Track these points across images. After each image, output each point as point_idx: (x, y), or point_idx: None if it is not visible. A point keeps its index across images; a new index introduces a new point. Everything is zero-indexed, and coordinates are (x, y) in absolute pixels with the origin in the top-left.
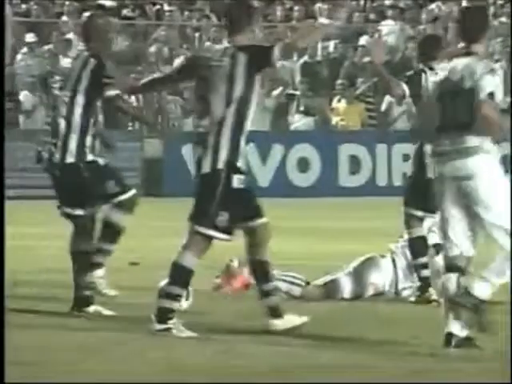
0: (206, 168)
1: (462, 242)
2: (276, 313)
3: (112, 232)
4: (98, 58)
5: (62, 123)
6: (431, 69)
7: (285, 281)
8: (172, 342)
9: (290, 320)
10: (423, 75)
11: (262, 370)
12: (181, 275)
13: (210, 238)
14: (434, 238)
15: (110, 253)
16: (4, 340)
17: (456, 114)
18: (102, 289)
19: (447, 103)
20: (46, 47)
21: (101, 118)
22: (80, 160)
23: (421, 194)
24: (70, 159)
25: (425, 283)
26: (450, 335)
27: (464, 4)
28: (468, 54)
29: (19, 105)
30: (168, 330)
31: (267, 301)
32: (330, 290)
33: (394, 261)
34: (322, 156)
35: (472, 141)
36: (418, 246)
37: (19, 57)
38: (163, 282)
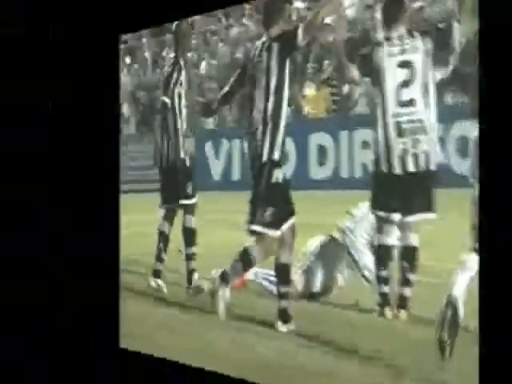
0: (251, 164)
1: None
2: (285, 316)
3: (188, 236)
4: None
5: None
6: (388, 39)
7: (268, 280)
8: None
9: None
10: (379, 49)
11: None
12: (244, 258)
13: (270, 238)
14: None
15: (195, 256)
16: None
17: None
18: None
19: None
20: None
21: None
22: (176, 159)
23: (382, 192)
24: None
25: (383, 300)
26: None
27: None
28: None
29: None
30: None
31: (281, 302)
32: (306, 283)
33: (346, 243)
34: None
35: None
36: (381, 256)
37: None
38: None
